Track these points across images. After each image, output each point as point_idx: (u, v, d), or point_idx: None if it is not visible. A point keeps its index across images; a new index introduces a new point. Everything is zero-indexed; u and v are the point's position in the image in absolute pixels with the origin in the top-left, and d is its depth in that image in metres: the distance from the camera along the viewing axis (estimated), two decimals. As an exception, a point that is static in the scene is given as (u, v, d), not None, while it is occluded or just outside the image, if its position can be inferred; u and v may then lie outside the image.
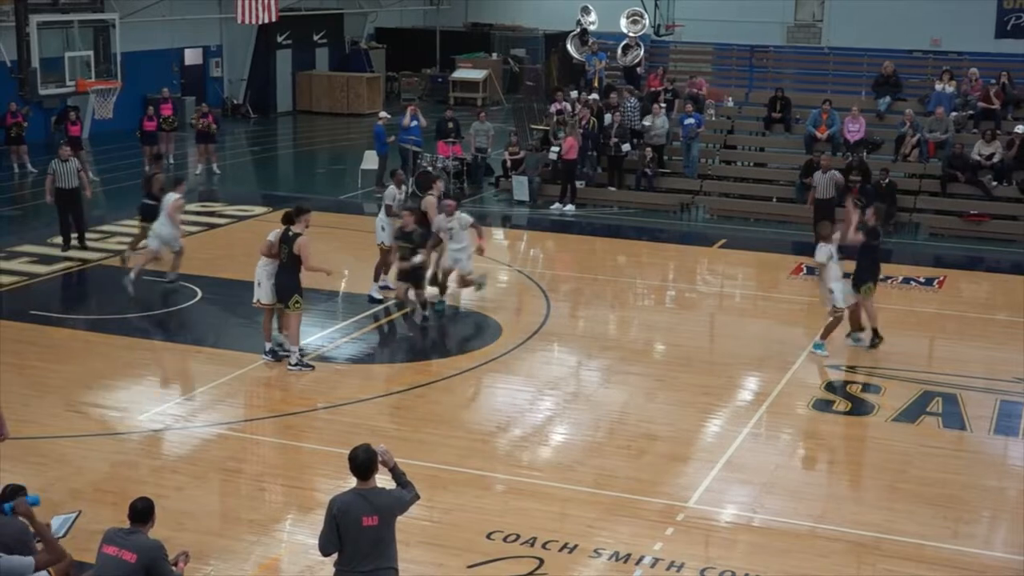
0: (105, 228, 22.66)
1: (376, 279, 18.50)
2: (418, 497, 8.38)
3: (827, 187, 22.55)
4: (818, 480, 12.93)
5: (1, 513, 8.76)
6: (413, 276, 17.07)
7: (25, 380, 14.80)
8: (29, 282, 19.36)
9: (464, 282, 17.99)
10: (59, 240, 21.12)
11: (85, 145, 28.27)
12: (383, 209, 18.69)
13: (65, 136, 28.15)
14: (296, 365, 15.21)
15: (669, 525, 11.31)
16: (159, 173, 20.65)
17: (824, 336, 16.26)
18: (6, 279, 19.33)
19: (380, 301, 18.30)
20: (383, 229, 18.32)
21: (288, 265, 15.06)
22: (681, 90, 29.17)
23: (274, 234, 15.42)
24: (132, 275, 18.23)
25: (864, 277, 16.38)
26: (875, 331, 16.49)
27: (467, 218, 17.76)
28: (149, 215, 19.26)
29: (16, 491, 9.07)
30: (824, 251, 15.97)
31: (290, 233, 15.07)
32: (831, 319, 16.20)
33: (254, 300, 15.74)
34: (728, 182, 27.05)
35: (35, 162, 28.56)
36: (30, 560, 8.57)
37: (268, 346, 15.59)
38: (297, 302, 15.07)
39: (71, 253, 20.82)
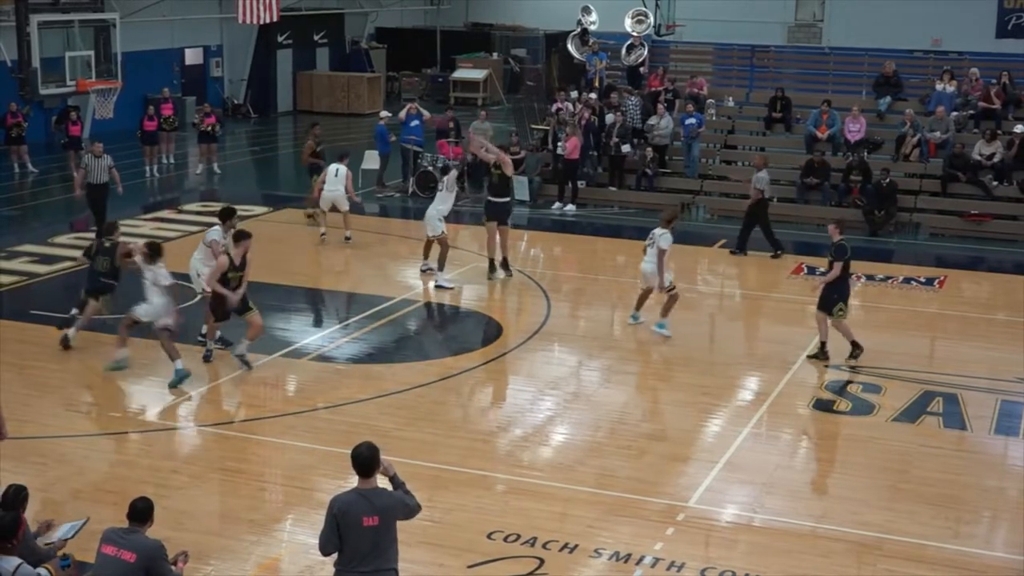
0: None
1: (442, 269, 19.23)
2: (419, 508, 8.35)
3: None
4: (819, 480, 12.92)
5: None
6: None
7: (25, 380, 14.79)
8: (29, 282, 19.37)
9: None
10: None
11: (85, 145, 28.21)
12: (440, 198, 19.38)
13: (65, 136, 28.20)
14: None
15: (670, 525, 11.30)
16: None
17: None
18: (6, 279, 19.34)
19: (450, 288, 19.02)
20: (440, 220, 19.10)
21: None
22: (682, 90, 29.17)
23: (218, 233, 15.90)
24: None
25: (834, 297, 15.76)
26: (854, 344, 15.93)
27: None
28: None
29: (19, 492, 9.06)
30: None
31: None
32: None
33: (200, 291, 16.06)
34: (729, 182, 27.03)
35: (35, 162, 28.59)
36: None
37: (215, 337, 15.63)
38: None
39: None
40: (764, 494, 12.04)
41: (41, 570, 8.83)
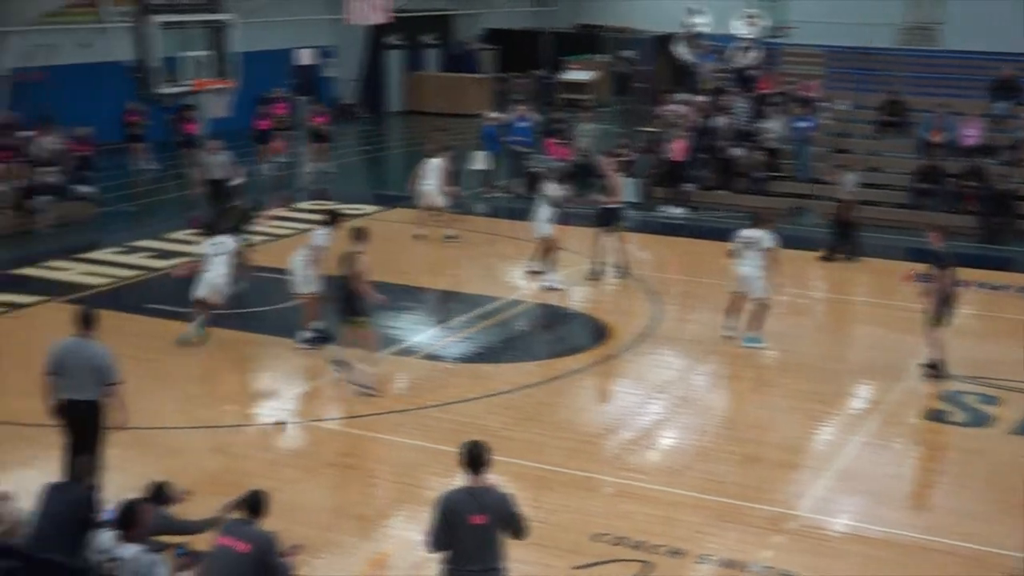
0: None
1: (548, 269, 19.34)
2: (528, 531, 8.33)
3: None
4: (931, 492, 12.70)
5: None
6: None
7: (144, 372, 15.14)
8: (148, 276, 19.82)
9: None
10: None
11: (201, 144, 28.79)
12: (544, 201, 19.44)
13: (182, 135, 28.81)
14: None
15: (778, 533, 11.19)
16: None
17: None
18: (126, 273, 19.84)
19: (557, 289, 19.16)
20: (542, 220, 19.26)
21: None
22: (792, 93, 28.84)
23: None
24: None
25: (938, 306, 15.13)
26: (938, 361, 15.31)
27: None
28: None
29: (160, 488, 9.32)
30: None
31: None
32: None
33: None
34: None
35: (153, 160, 29.24)
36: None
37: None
38: None
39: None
40: (875, 504, 11.85)
41: (157, 558, 9.07)
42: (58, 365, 10.78)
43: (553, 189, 19.49)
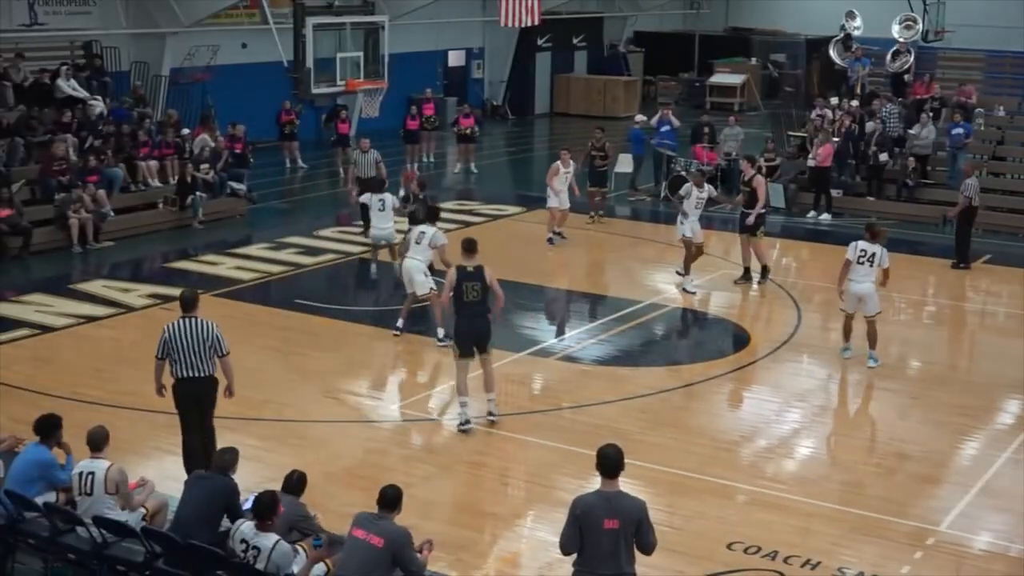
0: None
1: (686, 272, 19.24)
2: (655, 543, 8.27)
3: None
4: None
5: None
6: None
7: (288, 366, 15.54)
8: (295, 272, 20.28)
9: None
10: (327, 229, 22.22)
11: (352, 143, 29.37)
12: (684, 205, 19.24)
13: (335, 133, 29.45)
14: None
15: (918, 549, 10.93)
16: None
17: None
18: (275, 268, 20.34)
19: (692, 293, 19.04)
20: (682, 223, 19.10)
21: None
22: (949, 98, 28.08)
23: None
24: None
25: None
26: None
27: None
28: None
29: (302, 478, 9.56)
30: None
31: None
32: None
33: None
34: (996, 195, 25.84)
35: (305, 158, 29.95)
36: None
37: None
38: None
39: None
40: (1020, 523, 11.47)
41: (298, 547, 9.30)
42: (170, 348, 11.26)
43: (694, 193, 19.30)
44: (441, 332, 16.15)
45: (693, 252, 19.24)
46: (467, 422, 13.27)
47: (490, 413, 13.51)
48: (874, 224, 16.79)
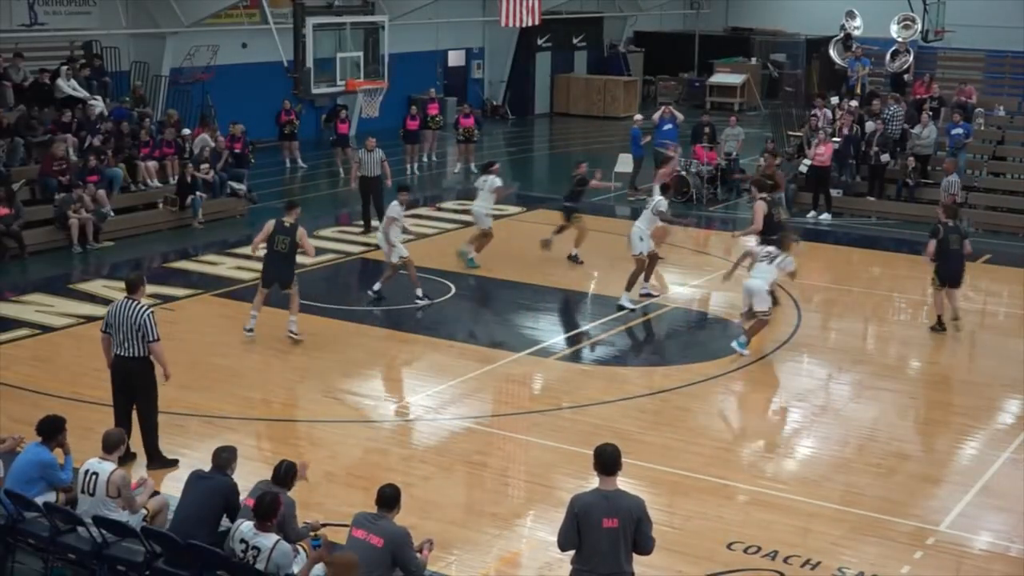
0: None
1: (628, 289, 18.19)
2: (653, 544, 8.27)
3: None
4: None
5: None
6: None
7: (288, 365, 15.54)
8: (296, 272, 20.23)
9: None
10: (349, 227, 22.83)
11: (352, 143, 29.39)
12: (644, 217, 18.40)
13: (334, 133, 29.45)
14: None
15: (918, 549, 10.93)
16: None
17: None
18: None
19: (632, 310, 18.12)
20: (641, 239, 18.07)
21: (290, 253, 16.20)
22: (948, 98, 28.08)
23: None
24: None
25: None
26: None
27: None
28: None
29: (290, 469, 9.54)
30: None
31: (286, 224, 16.26)
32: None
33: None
34: (996, 195, 25.86)
35: (305, 158, 29.94)
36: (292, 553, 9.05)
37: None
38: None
39: (367, 239, 22.21)
40: (1020, 522, 11.47)
41: (298, 547, 9.30)
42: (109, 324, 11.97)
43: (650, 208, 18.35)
44: (420, 291, 18.03)
45: (645, 266, 18.47)
46: (251, 330, 16.17)
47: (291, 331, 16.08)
48: (785, 235, 17.17)
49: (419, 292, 18.15)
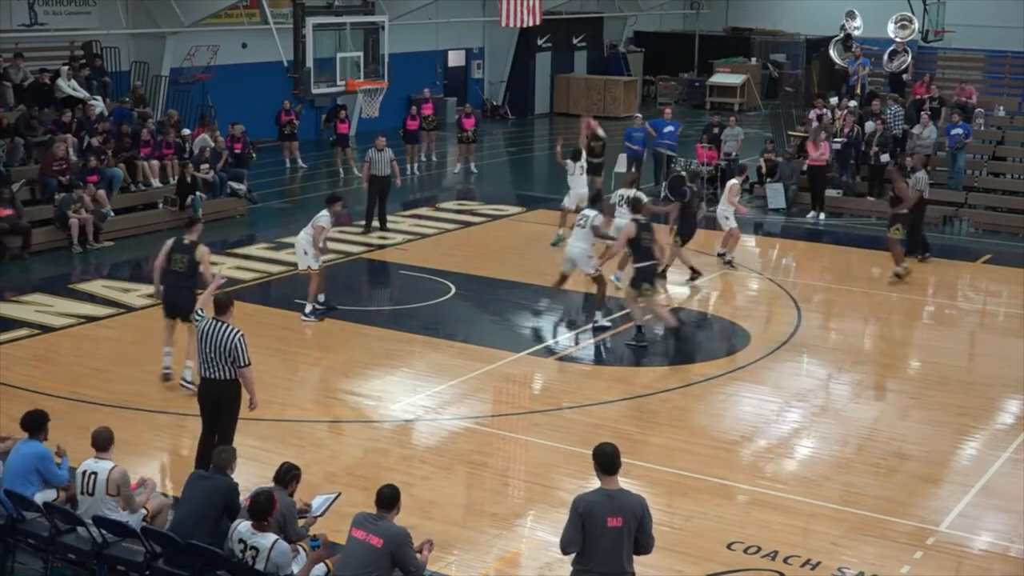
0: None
1: (599, 307, 17.56)
2: (653, 542, 8.30)
3: None
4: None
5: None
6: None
7: (288, 365, 15.54)
8: (295, 272, 20.23)
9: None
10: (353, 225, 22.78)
11: (352, 143, 29.41)
12: (580, 235, 17.49)
13: (334, 133, 29.45)
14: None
15: (918, 549, 10.92)
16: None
17: None
18: (275, 268, 20.35)
19: (608, 327, 17.48)
20: (590, 257, 17.47)
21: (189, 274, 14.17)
22: (948, 98, 28.07)
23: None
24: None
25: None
26: None
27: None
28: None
29: (290, 470, 9.54)
30: None
31: (185, 242, 14.33)
32: None
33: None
34: (996, 195, 25.87)
35: (305, 158, 29.95)
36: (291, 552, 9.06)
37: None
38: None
39: (369, 238, 22.37)
40: (1020, 523, 11.47)
41: (298, 547, 9.30)
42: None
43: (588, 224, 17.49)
44: (308, 307, 17.27)
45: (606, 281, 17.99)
46: (168, 369, 14.31)
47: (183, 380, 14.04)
48: (597, 198, 18.76)
49: (307, 309, 17.24)
